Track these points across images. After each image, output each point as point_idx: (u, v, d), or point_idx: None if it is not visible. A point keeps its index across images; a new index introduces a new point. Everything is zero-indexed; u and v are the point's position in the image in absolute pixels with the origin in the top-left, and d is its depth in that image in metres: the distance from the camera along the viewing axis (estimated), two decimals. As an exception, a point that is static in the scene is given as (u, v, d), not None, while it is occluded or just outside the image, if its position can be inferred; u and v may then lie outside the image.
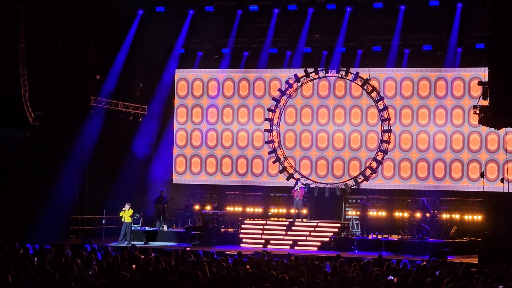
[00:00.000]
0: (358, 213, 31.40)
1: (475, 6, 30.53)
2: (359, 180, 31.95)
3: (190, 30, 33.77)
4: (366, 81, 31.76)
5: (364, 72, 31.99)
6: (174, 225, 32.30)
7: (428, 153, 32.29)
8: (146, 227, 31.35)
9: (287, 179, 32.50)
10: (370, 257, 21.50)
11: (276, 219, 32.42)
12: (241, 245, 29.36)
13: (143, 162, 34.06)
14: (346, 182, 32.22)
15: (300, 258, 19.57)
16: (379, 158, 31.82)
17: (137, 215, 30.90)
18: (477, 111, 24.44)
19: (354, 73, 31.88)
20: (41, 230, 26.91)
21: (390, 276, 16.76)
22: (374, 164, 31.90)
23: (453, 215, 31.05)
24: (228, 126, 34.52)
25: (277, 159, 32.78)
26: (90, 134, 31.18)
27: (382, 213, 31.60)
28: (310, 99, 33.63)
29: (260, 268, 17.08)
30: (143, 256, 19.74)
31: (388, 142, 31.76)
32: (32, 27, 29.17)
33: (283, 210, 33.22)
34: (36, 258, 18.61)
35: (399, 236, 29.43)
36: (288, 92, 32.94)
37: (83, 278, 15.24)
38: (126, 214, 29.42)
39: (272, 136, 32.96)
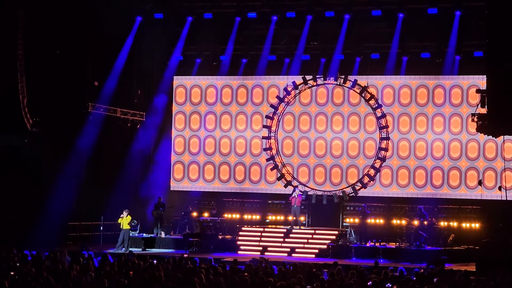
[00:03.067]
0: (358, 220, 31.37)
1: (474, 14, 30.57)
2: (357, 188, 31.94)
3: (189, 37, 33.76)
4: (364, 89, 31.78)
5: (362, 80, 32.01)
6: (172, 232, 32.26)
7: (426, 160, 32.29)
8: (144, 234, 31.33)
9: (285, 186, 32.48)
10: (367, 264, 21.47)
11: (273, 226, 32.38)
12: (239, 252, 29.33)
13: (141, 168, 34.03)
14: (344, 189, 32.20)
15: (298, 266, 19.54)
16: (377, 165, 31.82)
17: (135, 221, 30.85)
18: (475, 119, 24.42)
19: (352, 80, 31.90)
20: (39, 236, 26.84)
21: (388, 284, 16.74)
22: (372, 172, 31.89)
23: (451, 223, 31.04)
24: (226, 133, 34.50)
25: (275, 166, 32.75)
26: (88, 141, 31.13)
27: (380, 221, 31.59)
28: (308, 106, 33.64)
29: (258, 275, 17.05)
30: (140, 263, 19.70)
31: (386, 149, 31.77)
32: (30, 33, 29.15)
33: (280, 217, 33.17)
34: (33, 264, 18.56)
35: (397, 243, 29.42)
36: (286, 100, 32.94)
37: (80, 284, 15.20)
38: (124, 221, 29.43)
39: (270, 143, 32.95)
